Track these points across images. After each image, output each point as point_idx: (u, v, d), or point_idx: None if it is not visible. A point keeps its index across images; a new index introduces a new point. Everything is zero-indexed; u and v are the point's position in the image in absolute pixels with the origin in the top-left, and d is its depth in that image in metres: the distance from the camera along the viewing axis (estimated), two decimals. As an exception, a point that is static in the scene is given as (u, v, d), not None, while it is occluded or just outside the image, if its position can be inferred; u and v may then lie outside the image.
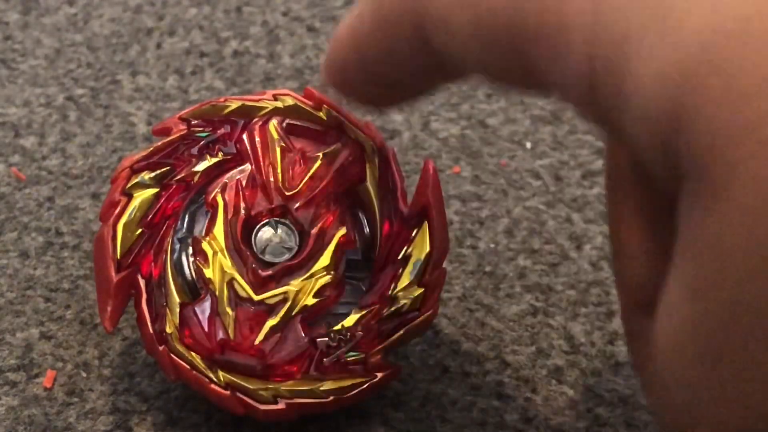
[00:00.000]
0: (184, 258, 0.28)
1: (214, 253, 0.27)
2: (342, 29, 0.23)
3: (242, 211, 0.28)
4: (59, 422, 0.28)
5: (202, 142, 0.28)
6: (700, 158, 0.16)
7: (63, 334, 0.30)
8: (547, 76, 0.18)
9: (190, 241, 0.28)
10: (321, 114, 0.28)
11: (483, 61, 0.19)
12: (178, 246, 0.28)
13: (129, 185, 0.27)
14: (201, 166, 0.28)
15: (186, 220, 0.28)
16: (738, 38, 0.15)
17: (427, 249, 0.27)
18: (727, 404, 0.16)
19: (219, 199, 0.28)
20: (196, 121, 0.28)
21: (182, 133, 0.28)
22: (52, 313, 0.31)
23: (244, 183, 0.28)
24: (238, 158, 0.28)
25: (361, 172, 0.28)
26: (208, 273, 0.27)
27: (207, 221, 0.28)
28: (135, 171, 0.27)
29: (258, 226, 0.28)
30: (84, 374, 0.29)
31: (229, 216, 0.27)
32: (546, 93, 0.19)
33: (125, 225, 0.27)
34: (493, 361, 0.30)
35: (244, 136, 0.28)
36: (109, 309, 0.27)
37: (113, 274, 0.27)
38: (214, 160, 0.28)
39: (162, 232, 0.28)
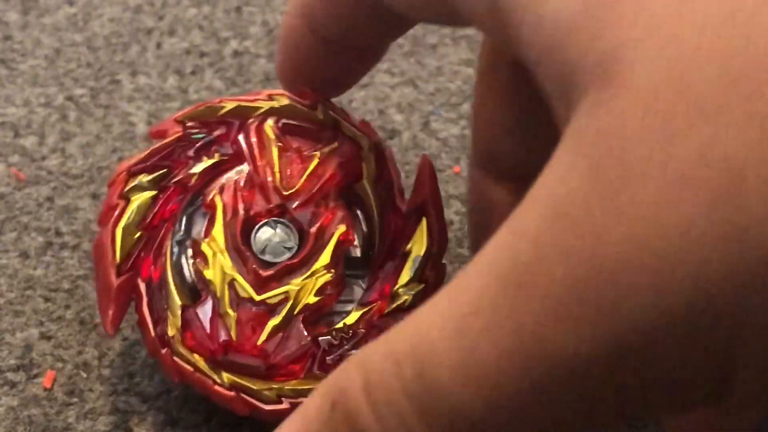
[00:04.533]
0: (183, 260, 0.28)
1: (214, 255, 0.27)
2: (289, 12, 0.26)
3: (241, 212, 0.27)
4: (59, 422, 0.28)
5: (198, 144, 0.28)
6: (594, 60, 0.16)
7: (63, 334, 0.30)
8: (458, 2, 0.20)
9: (189, 243, 0.28)
10: (317, 113, 0.28)
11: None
12: (177, 248, 0.28)
13: (126, 189, 0.27)
14: (198, 168, 0.28)
15: (184, 222, 0.28)
16: None
17: (426, 244, 0.27)
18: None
19: (217, 200, 0.28)
20: (191, 123, 0.28)
21: (178, 135, 0.28)
22: (51, 313, 0.31)
23: (241, 183, 0.28)
24: (235, 159, 0.28)
25: (357, 170, 0.28)
26: (208, 274, 0.27)
27: (206, 223, 0.28)
28: (132, 174, 0.27)
29: (257, 227, 0.28)
30: (84, 374, 0.29)
31: (228, 217, 0.27)
32: (464, 22, 0.21)
33: (124, 229, 0.27)
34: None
35: (241, 137, 0.28)
36: (110, 313, 0.27)
37: (113, 278, 0.26)
38: (211, 161, 0.28)
39: (161, 235, 0.28)
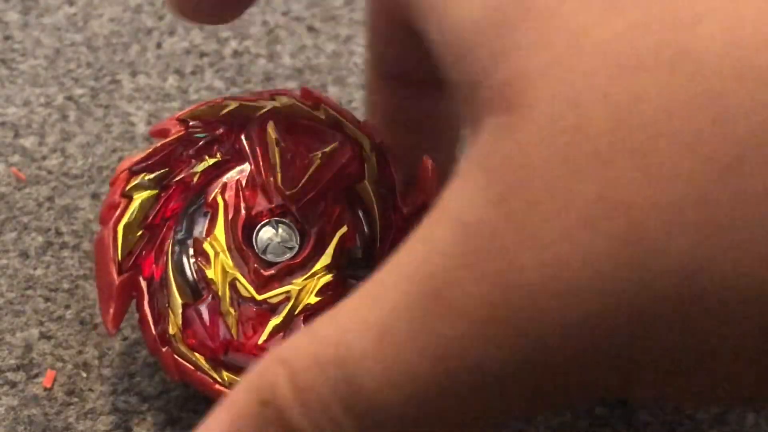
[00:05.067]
0: (185, 259, 0.28)
1: (216, 254, 0.27)
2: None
3: (242, 211, 0.28)
4: (59, 422, 0.28)
5: (200, 143, 0.28)
6: (498, 83, 0.17)
7: (63, 334, 0.30)
8: None
9: (190, 242, 0.28)
10: (318, 113, 0.28)
11: None
12: (178, 247, 0.28)
13: (128, 187, 0.27)
14: (200, 167, 0.28)
15: (186, 221, 0.28)
16: None
17: None
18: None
19: (219, 199, 0.28)
20: (193, 122, 0.28)
21: (180, 134, 0.28)
22: (52, 313, 0.31)
23: (243, 183, 0.28)
24: (237, 158, 0.28)
25: (359, 170, 0.28)
26: (210, 273, 0.27)
27: (207, 222, 0.28)
28: (134, 173, 0.27)
29: (259, 226, 0.28)
30: (84, 374, 0.29)
31: (230, 216, 0.28)
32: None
33: (125, 227, 0.27)
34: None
35: (243, 137, 0.28)
36: (111, 311, 0.27)
37: (115, 276, 0.26)
38: (213, 160, 0.28)
39: (162, 234, 0.28)
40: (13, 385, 0.29)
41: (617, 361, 0.17)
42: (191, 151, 0.28)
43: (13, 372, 0.30)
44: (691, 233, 0.15)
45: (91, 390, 0.29)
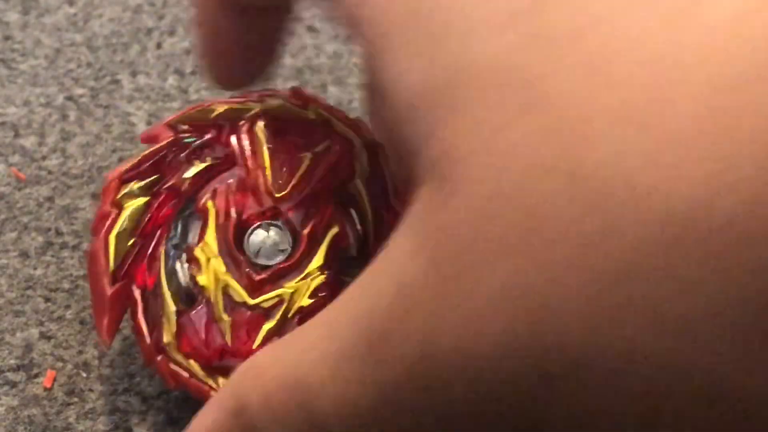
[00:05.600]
0: (178, 265, 0.27)
1: (207, 260, 0.27)
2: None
3: (233, 216, 0.27)
4: (59, 422, 0.28)
5: (190, 148, 0.28)
6: (433, 153, 0.19)
7: (63, 334, 0.30)
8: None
9: (183, 248, 0.27)
10: (308, 112, 0.28)
11: None
12: (171, 253, 0.28)
13: (118, 196, 0.27)
14: (190, 173, 0.28)
15: (178, 227, 0.28)
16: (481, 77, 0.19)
17: None
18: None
19: (209, 205, 0.27)
20: (183, 127, 0.28)
21: (170, 139, 0.28)
22: (52, 313, 0.31)
23: (234, 187, 0.28)
24: (227, 162, 0.28)
25: (350, 169, 0.28)
26: (201, 280, 0.27)
27: (199, 228, 0.28)
28: (124, 181, 0.27)
29: (250, 230, 0.28)
30: (84, 374, 0.29)
31: (221, 221, 0.27)
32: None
33: (117, 236, 0.27)
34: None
35: (232, 139, 0.28)
36: (105, 323, 0.27)
37: (107, 288, 0.26)
38: (203, 165, 0.28)
39: (155, 241, 0.27)
40: (14, 385, 0.29)
41: (519, 422, 0.19)
42: (182, 156, 0.28)
43: (14, 372, 0.30)
44: (582, 326, 0.17)
45: (91, 390, 0.29)
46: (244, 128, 0.28)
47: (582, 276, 0.17)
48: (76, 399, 0.29)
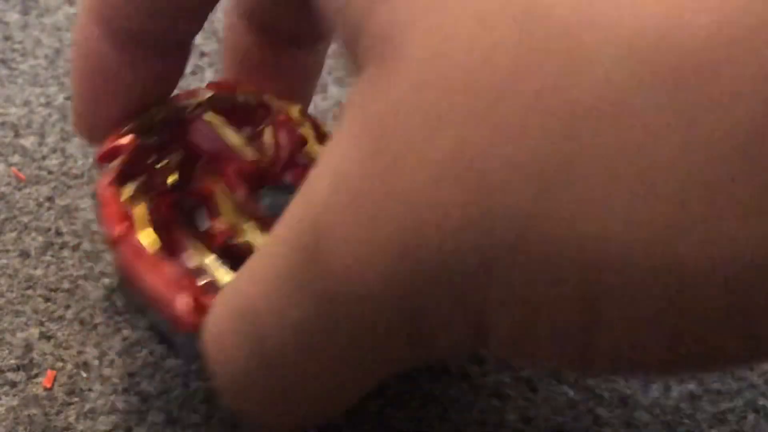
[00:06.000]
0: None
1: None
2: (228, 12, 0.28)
3: (242, 184, 0.28)
4: (59, 422, 0.28)
5: (154, 148, 0.28)
6: (371, 33, 0.18)
7: (63, 334, 0.30)
8: None
9: (202, 232, 0.28)
10: (240, 96, 0.29)
11: None
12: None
13: (122, 200, 0.27)
14: (172, 166, 0.28)
15: (185, 220, 0.28)
16: None
17: None
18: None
19: (211, 188, 0.28)
20: (133, 136, 0.27)
21: (135, 144, 0.27)
22: (52, 313, 0.31)
23: (221, 171, 0.28)
24: (196, 155, 0.28)
25: (301, 136, 0.29)
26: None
27: (206, 212, 0.28)
28: (119, 185, 0.27)
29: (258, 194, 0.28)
30: (84, 374, 0.30)
31: (227, 196, 0.28)
32: None
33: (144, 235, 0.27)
34: (493, 361, 0.30)
35: (192, 133, 0.28)
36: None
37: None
38: (179, 157, 0.28)
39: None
40: (14, 385, 0.29)
41: (470, 299, 0.18)
42: (153, 157, 0.28)
43: (13, 372, 0.30)
44: (531, 188, 0.16)
45: (91, 390, 0.29)
46: (194, 121, 0.28)
47: (533, 133, 0.16)
48: (76, 399, 0.29)
